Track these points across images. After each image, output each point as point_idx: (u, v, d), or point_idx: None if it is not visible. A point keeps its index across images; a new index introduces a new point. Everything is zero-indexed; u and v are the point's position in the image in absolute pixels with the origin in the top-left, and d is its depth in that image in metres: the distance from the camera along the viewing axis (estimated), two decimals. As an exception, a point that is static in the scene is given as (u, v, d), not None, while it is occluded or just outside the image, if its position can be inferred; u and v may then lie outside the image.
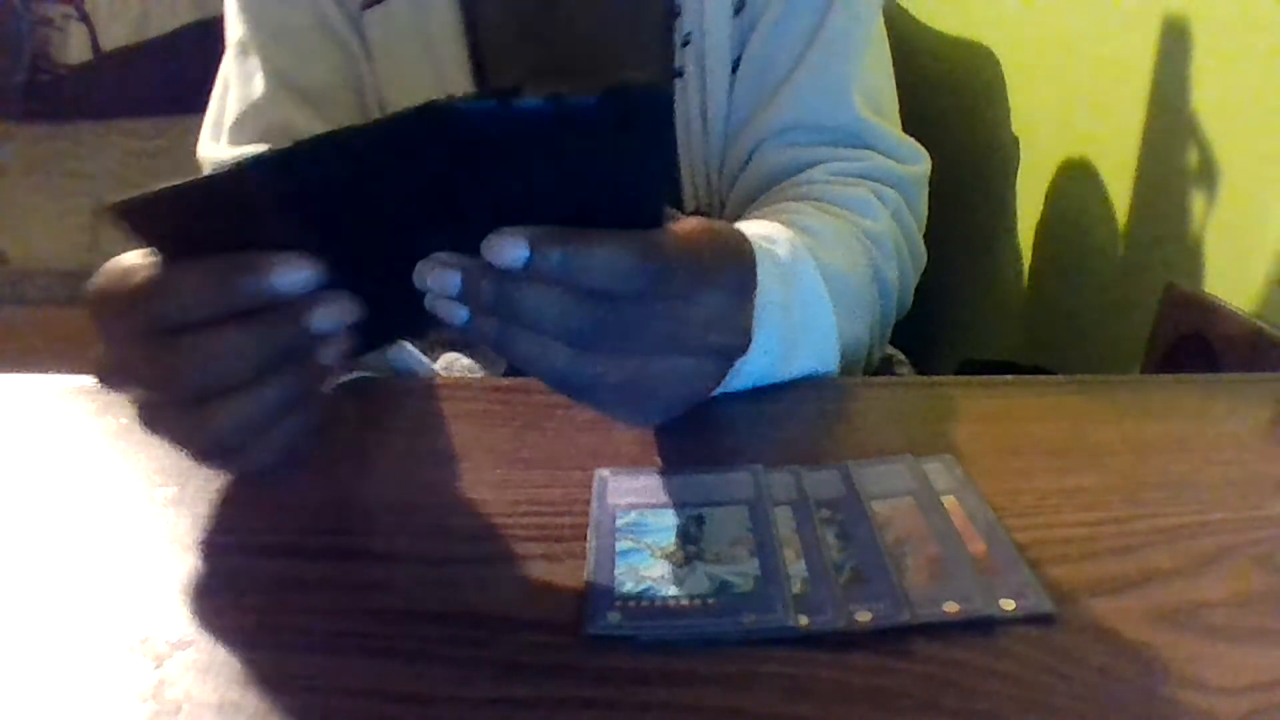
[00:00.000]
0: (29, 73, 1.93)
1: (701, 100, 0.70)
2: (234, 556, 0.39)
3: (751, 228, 0.52)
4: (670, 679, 0.33)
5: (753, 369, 0.49)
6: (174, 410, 0.39)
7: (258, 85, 0.70)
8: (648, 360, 0.39)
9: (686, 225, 0.40)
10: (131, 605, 0.37)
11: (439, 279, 0.37)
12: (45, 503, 0.44)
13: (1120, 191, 1.06)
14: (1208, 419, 0.51)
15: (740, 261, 0.42)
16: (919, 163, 0.72)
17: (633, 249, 0.36)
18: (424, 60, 0.70)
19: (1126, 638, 0.35)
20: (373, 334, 0.40)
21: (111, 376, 0.40)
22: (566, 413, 0.50)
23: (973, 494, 0.42)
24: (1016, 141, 1.23)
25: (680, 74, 0.70)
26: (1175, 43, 0.97)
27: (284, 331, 0.37)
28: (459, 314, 0.37)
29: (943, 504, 0.42)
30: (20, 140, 1.94)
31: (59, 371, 0.54)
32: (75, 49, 1.95)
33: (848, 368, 0.57)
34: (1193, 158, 0.95)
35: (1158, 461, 0.46)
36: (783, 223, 0.56)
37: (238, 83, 0.72)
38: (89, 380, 0.54)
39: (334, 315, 0.37)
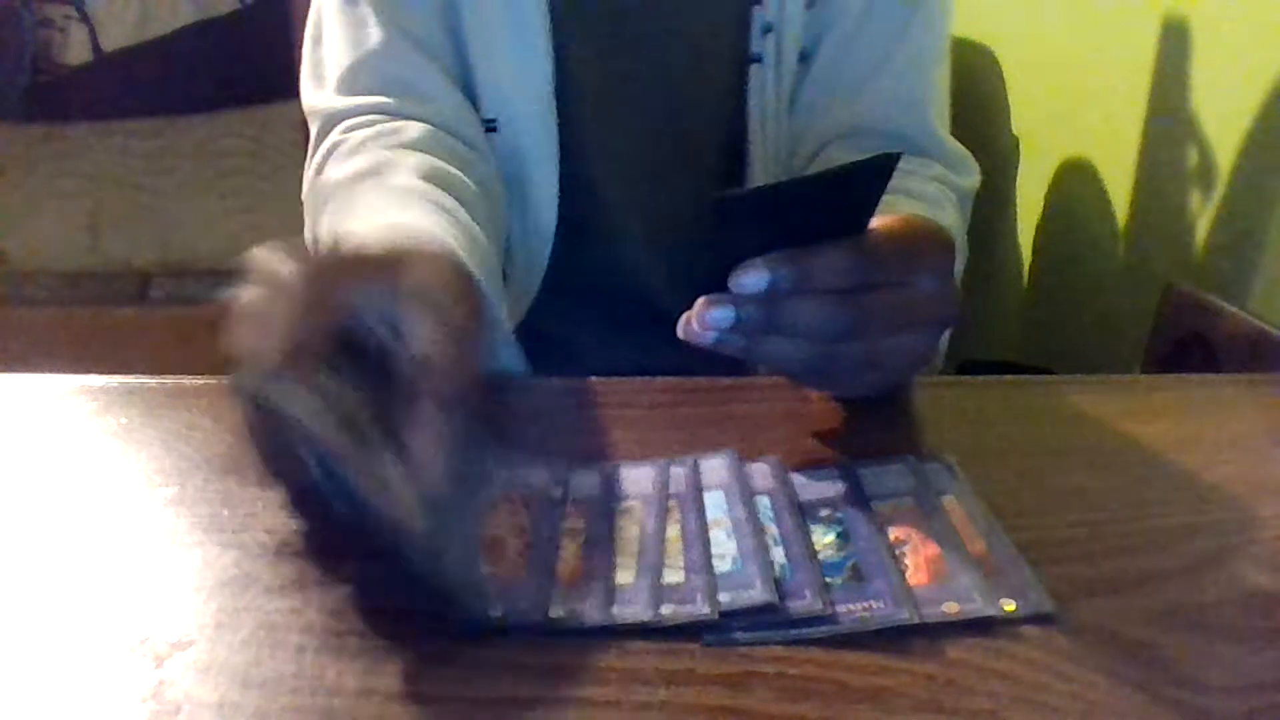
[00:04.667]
0: (29, 73, 1.93)
1: (777, 88, 0.73)
2: (234, 556, 0.39)
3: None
4: (670, 679, 0.33)
5: None
6: None
7: (372, 35, 0.70)
8: (879, 340, 0.45)
9: (886, 221, 0.45)
10: (131, 605, 0.37)
11: (716, 315, 0.42)
12: (45, 503, 0.44)
13: (1120, 191, 1.06)
14: (1208, 419, 0.51)
15: (939, 242, 0.47)
16: (973, 176, 0.75)
17: (846, 249, 0.43)
18: (506, 9, 0.70)
19: (1126, 638, 0.35)
20: None
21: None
22: (569, 412, 0.50)
23: (973, 494, 0.42)
24: (1016, 141, 1.23)
25: (759, 60, 0.73)
26: (1175, 43, 0.97)
27: None
28: (707, 337, 0.43)
29: (943, 504, 0.42)
30: (20, 140, 1.94)
31: (59, 371, 0.54)
32: (75, 49, 1.94)
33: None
34: (1193, 158, 0.95)
35: (1158, 461, 0.46)
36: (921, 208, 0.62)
37: (347, 31, 0.71)
38: (89, 380, 0.54)
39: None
